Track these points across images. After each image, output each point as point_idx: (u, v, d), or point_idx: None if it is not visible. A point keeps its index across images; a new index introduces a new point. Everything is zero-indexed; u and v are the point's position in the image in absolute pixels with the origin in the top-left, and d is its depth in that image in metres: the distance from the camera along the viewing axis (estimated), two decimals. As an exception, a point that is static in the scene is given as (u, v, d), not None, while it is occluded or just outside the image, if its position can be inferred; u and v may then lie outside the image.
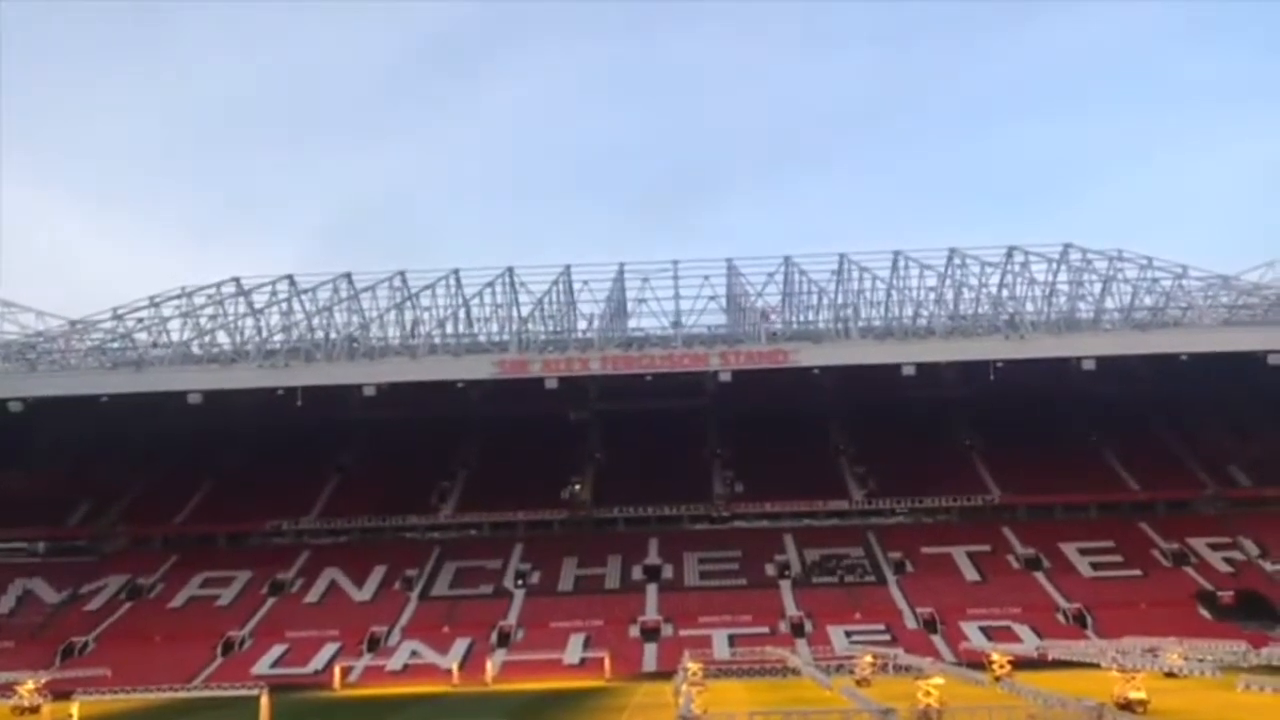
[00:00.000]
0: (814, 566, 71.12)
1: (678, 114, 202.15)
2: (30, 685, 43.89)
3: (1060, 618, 62.90)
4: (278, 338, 65.19)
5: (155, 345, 65.36)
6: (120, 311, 65.98)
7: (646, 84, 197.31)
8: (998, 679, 39.46)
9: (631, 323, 72.89)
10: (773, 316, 68.24)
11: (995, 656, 46.56)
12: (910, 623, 63.46)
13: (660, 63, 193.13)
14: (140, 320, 65.91)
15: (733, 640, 60.95)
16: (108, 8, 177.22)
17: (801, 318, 70.41)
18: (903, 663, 44.28)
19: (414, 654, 61.19)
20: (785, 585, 68.87)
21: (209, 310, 66.61)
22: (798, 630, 62.87)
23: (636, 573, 70.82)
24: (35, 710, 41.78)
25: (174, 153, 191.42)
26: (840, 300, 66.23)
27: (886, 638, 59.69)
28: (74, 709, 38.36)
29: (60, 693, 43.69)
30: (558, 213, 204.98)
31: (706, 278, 68.44)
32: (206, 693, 48.46)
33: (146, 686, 46.70)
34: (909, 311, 66.15)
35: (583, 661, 59.87)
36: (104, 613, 67.84)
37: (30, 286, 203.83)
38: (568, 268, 71.85)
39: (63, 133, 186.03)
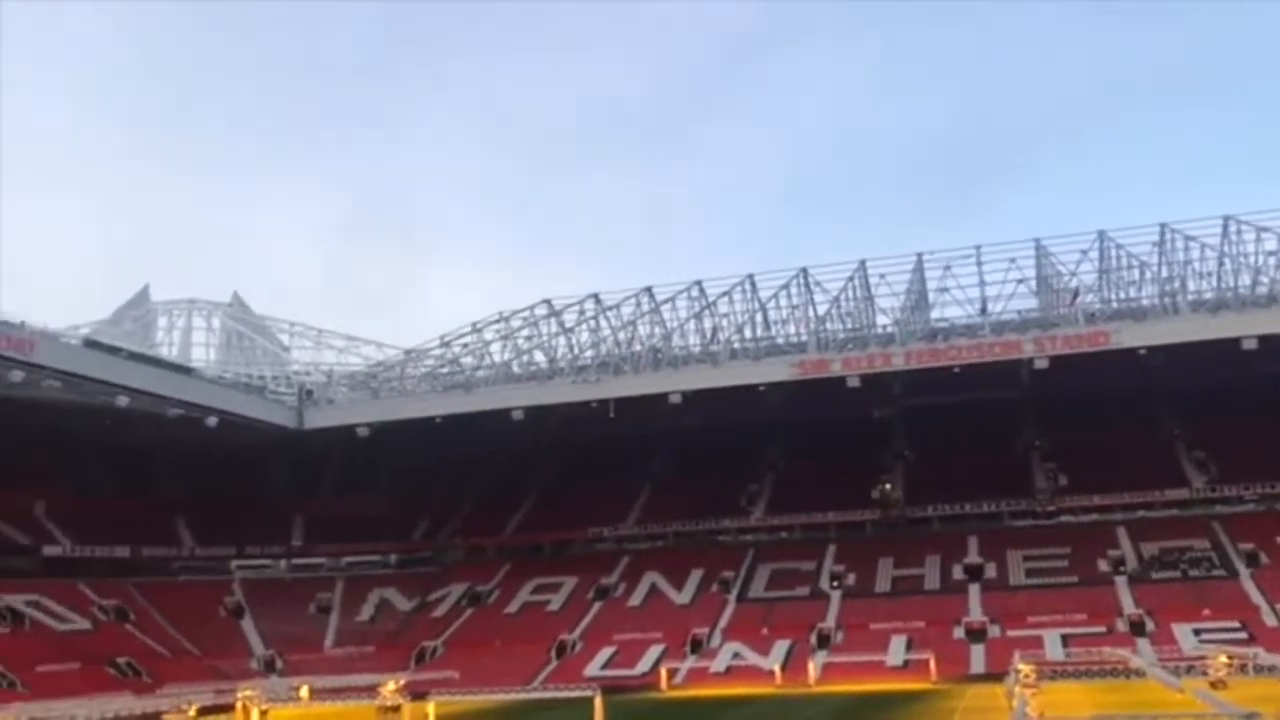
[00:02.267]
0: (1153, 561, 66.28)
1: (958, 97, 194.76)
2: (392, 686, 47.83)
3: None
4: (588, 353, 68.17)
5: (479, 368, 70.05)
6: (447, 339, 71.22)
7: (926, 70, 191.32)
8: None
9: (934, 313, 70.95)
10: (1089, 296, 64.32)
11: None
12: (1270, 619, 57.76)
13: (940, 46, 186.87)
14: (465, 345, 70.88)
15: (1066, 640, 57.72)
16: (418, 46, 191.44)
17: (1122, 294, 66.01)
18: (1264, 663, 40.54)
19: (736, 655, 61.96)
20: (1121, 582, 64.57)
21: (525, 332, 70.70)
22: (1137, 629, 58.77)
23: (957, 572, 68.55)
24: (396, 710, 45.31)
25: (477, 184, 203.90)
26: (1165, 273, 61.59)
27: (1242, 636, 54.58)
28: (430, 709, 41.38)
29: (417, 693, 47.35)
30: (844, 209, 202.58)
31: (1013, 260, 65.77)
32: (545, 694, 51.05)
33: (491, 688, 49.74)
34: (1245, 280, 60.52)
35: (906, 663, 58.59)
36: (449, 619, 73.05)
37: (369, 321, 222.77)
38: (863, 262, 70.94)
39: (384, 176, 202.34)
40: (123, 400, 58.71)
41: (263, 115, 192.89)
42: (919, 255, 71.39)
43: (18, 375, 53.01)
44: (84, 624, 64.51)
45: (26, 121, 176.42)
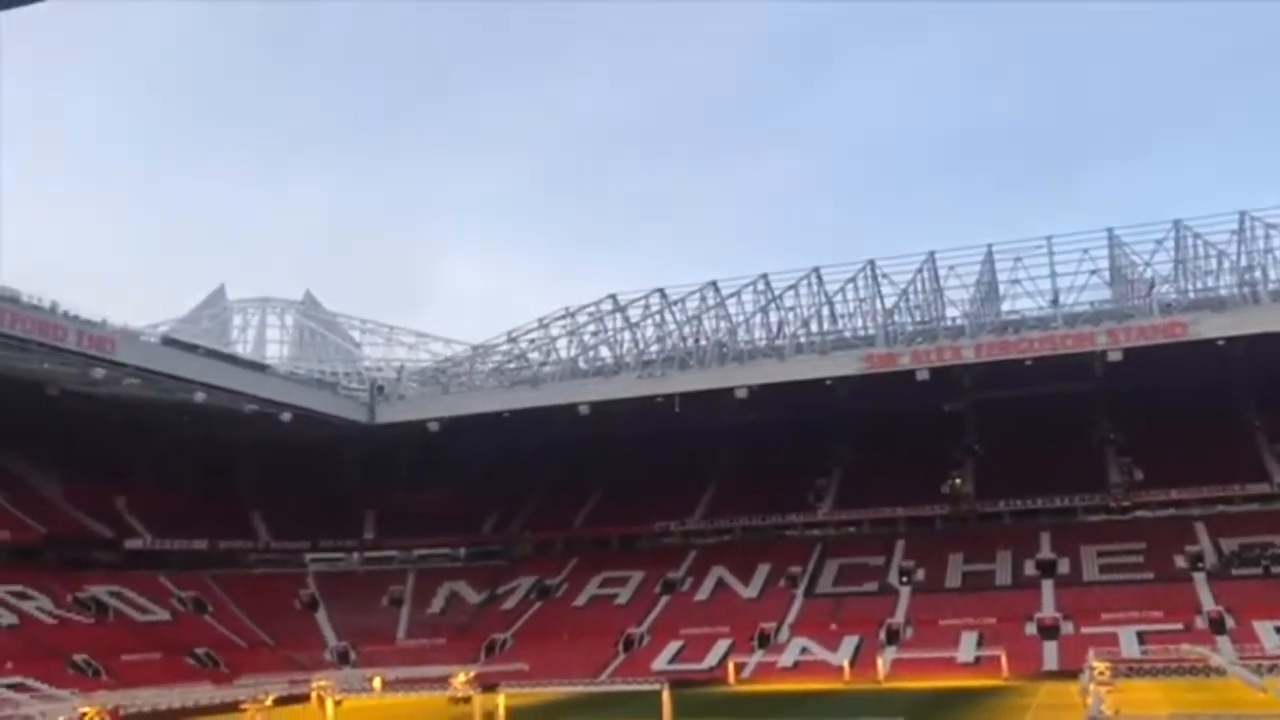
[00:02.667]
0: (1233, 557, 64.72)
1: (1027, 86, 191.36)
2: (462, 678, 48.54)
3: None
4: (653, 348, 68.33)
5: (545, 363, 70.58)
6: (514, 334, 71.88)
7: (998, 59, 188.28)
8: None
9: (1005, 305, 70.05)
10: (1165, 287, 62.95)
11: None
12: (1359, 619, 56.15)
13: (1008, 34, 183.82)
14: (532, 341, 71.50)
15: (1142, 638, 56.61)
16: (485, 46, 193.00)
17: (1199, 284, 64.52)
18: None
19: (804, 651, 61.77)
20: (1199, 578, 63.17)
21: (590, 327, 71.05)
22: (1217, 627, 57.43)
23: (1029, 568, 67.60)
24: (467, 700, 45.95)
25: (535, 181, 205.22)
26: (1244, 262, 60.05)
27: (1328, 634, 53.20)
28: (500, 700, 41.89)
29: (487, 685, 47.94)
30: (911, 202, 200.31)
31: (1085, 251, 64.72)
32: (613, 687, 51.30)
33: (559, 680, 50.11)
34: (1329, 268, 58.83)
35: (978, 660, 57.93)
36: (518, 611, 73.77)
37: (442, 318, 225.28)
38: (931, 254, 70.26)
39: (459, 174, 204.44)
40: (200, 396, 60.12)
41: (328, 116, 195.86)
42: (989, 247, 70.56)
43: (99, 373, 54.51)
44: (164, 615, 66.21)
45: (101, 124, 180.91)
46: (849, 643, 61.70)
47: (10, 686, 48.65)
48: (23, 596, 59.10)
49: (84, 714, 39.94)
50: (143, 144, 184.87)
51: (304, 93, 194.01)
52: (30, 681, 49.92)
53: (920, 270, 69.91)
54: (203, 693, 50.78)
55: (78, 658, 55.23)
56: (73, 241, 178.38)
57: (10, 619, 56.68)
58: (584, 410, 65.25)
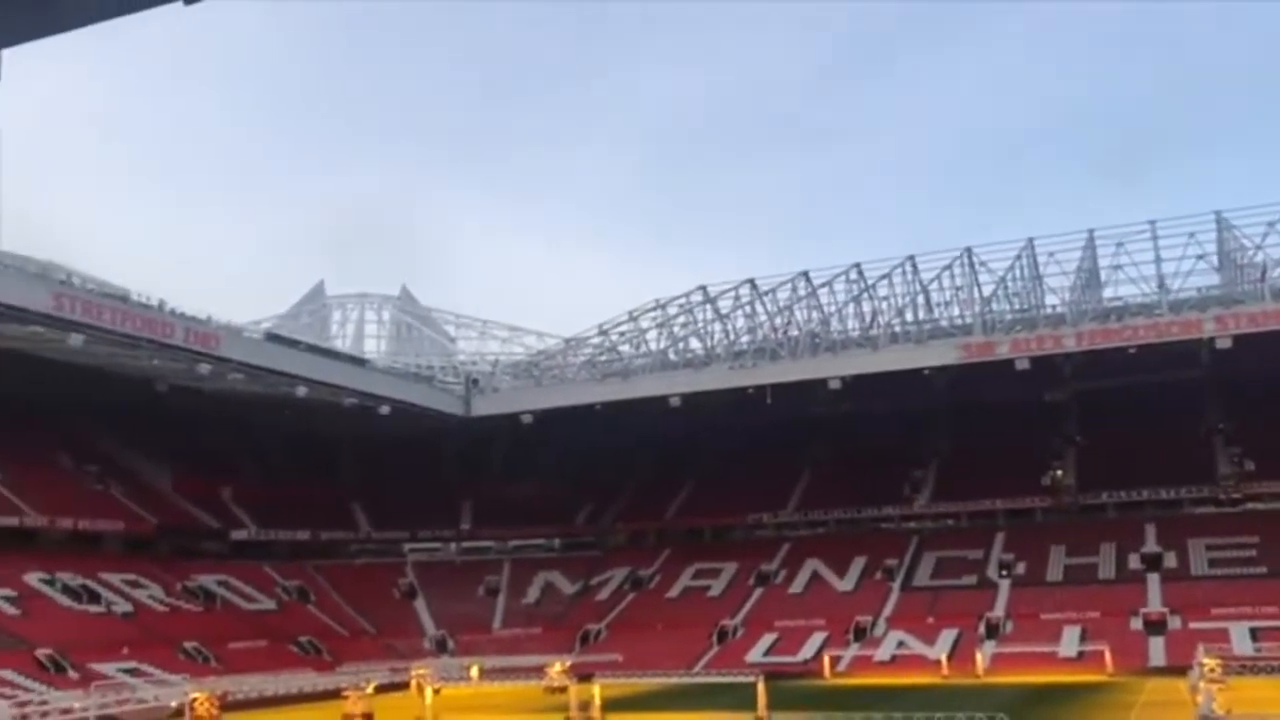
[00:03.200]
0: (1352, 551, 62.18)
1: (1124, 69, 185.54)
2: (558, 668, 49.00)
3: None
4: (744, 339, 68.05)
5: (637, 355, 70.82)
6: (605, 327, 72.28)
7: (1090, 39, 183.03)
8: None
9: (1107, 292, 68.33)
10: (1278, 271, 60.61)
11: None
12: None
13: (1105, 13, 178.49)
14: (622, 333, 71.79)
15: (1255, 634, 54.74)
16: (563, 42, 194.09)
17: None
18: None
19: (901, 644, 61.09)
20: (1317, 573, 60.84)
21: (680, 319, 71.04)
22: (1337, 624, 55.25)
23: (1133, 561, 65.80)
24: (563, 690, 46.39)
25: (624, 175, 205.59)
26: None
27: None
28: (595, 690, 42.19)
29: (582, 675, 48.33)
30: (1007, 188, 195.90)
31: (1192, 235, 62.68)
32: (707, 679, 51.40)
33: (654, 671, 50.41)
34: None
35: (1080, 655, 56.65)
36: (611, 602, 74.22)
37: (531, 312, 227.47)
38: (1030, 241, 68.83)
39: (547, 170, 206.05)
40: (301, 391, 61.59)
41: (417, 116, 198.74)
42: (1090, 232, 68.79)
43: (205, 368, 56.18)
44: (269, 604, 68.08)
45: (202, 122, 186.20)
46: (947, 636, 60.82)
47: (126, 671, 50.54)
48: (136, 585, 61.26)
49: (194, 699, 41.19)
50: (240, 144, 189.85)
51: (390, 91, 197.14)
52: (144, 667, 51.80)
53: (1019, 257, 68.48)
54: (306, 679, 52.00)
55: (188, 644, 57.10)
56: (180, 240, 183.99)
57: (125, 607, 58.83)
58: (675, 402, 65.29)
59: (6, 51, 9.13)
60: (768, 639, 64.64)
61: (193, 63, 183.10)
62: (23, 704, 40.54)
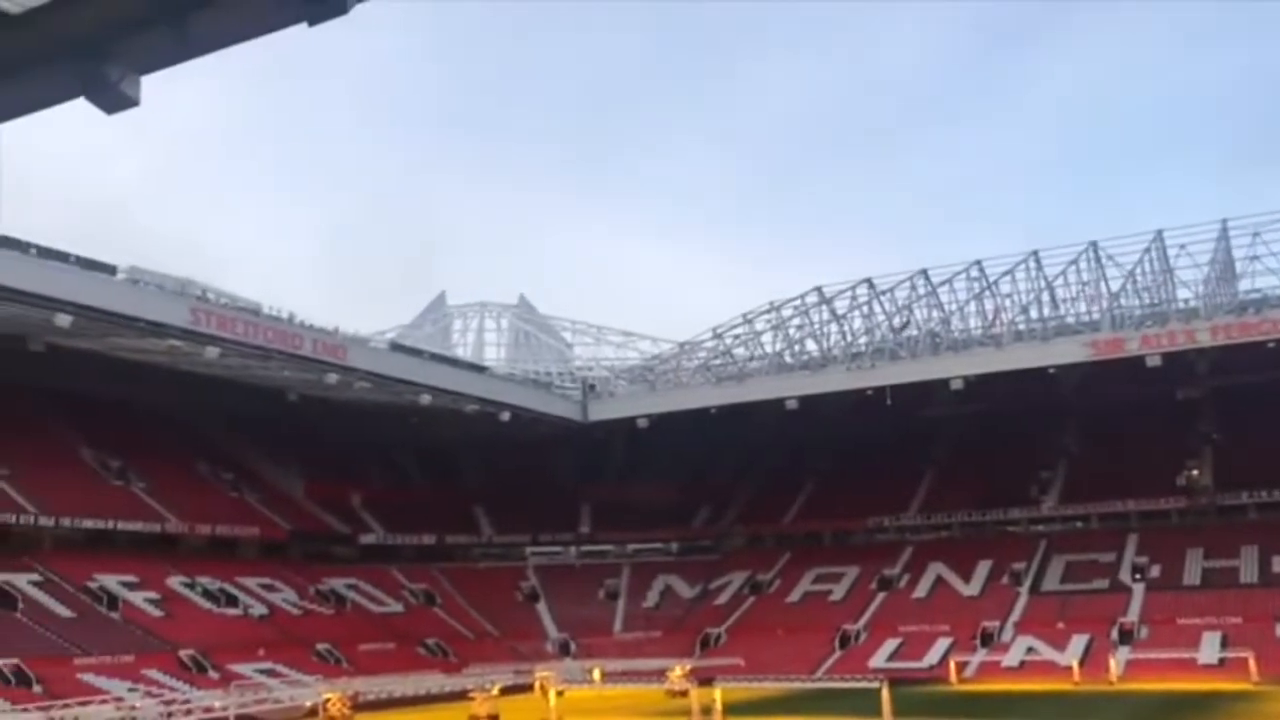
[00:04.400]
0: None
1: (1252, 51, 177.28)
2: (679, 671, 49.13)
3: None
4: (862, 340, 67.24)
5: (752, 358, 70.58)
6: (719, 330, 72.21)
7: (1219, 18, 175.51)
8: None
9: (1243, 284, 65.65)
10: None
11: None
12: None
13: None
14: (737, 337, 71.62)
15: None
16: (686, 47, 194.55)
17: None
18: None
19: (1030, 650, 59.50)
20: None
21: (796, 321, 70.55)
22: None
23: (1277, 564, 62.85)
24: (684, 694, 46.49)
25: (737, 177, 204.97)
26: None
27: None
28: (717, 694, 42.21)
29: (703, 679, 48.37)
30: (1132, 180, 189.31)
31: (1335, 222, 59.57)
32: (830, 684, 50.93)
33: (775, 675, 50.14)
34: None
35: (1221, 662, 54.34)
36: (731, 606, 74.02)
37: (645, 316, 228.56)
38: (1159, 233, 66.50)
39: (651, 174, 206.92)
40: (425, 398, 63.10)
41: (529, 123, 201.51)
42: (1223, 222, 66.15)
43: (333, 378, 57.98)
44: (396, 606, 69.83)
45: (323, 132, 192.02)
46: (1078, 642, 59.00)
47: (263, 672, 52.45)
48: (271, 589, 63.50)
49: (327, 699, 42.58)
50: (351, 153, 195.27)
51: (503, 99, 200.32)
52: (280, 668, 53.70)
53: (1147, 250, 66.20)
54: (434, 681, 53.22)
55: (320, 646, 58.95)
56: (306, 253, 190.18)
57: (261, 609, 61.03)
58: (792, 405, 64.86)
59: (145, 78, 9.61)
60: (891, 644, 63.65)
61: (306, 74, 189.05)
62: (168, 702, 42.48)
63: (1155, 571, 65.52)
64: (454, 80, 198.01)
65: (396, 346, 69.08)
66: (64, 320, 45.51)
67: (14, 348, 50.25)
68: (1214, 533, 67.16)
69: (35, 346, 51.11)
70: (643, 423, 69.85)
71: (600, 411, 72.57)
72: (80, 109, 9.73)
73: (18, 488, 55.80)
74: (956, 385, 61.15)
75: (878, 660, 60.94)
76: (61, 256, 47.42)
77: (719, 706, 40.89)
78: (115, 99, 9.51)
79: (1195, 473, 71.50)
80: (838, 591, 72.21)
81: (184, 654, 51.86)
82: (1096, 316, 63.88)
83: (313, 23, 8.91)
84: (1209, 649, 55.64)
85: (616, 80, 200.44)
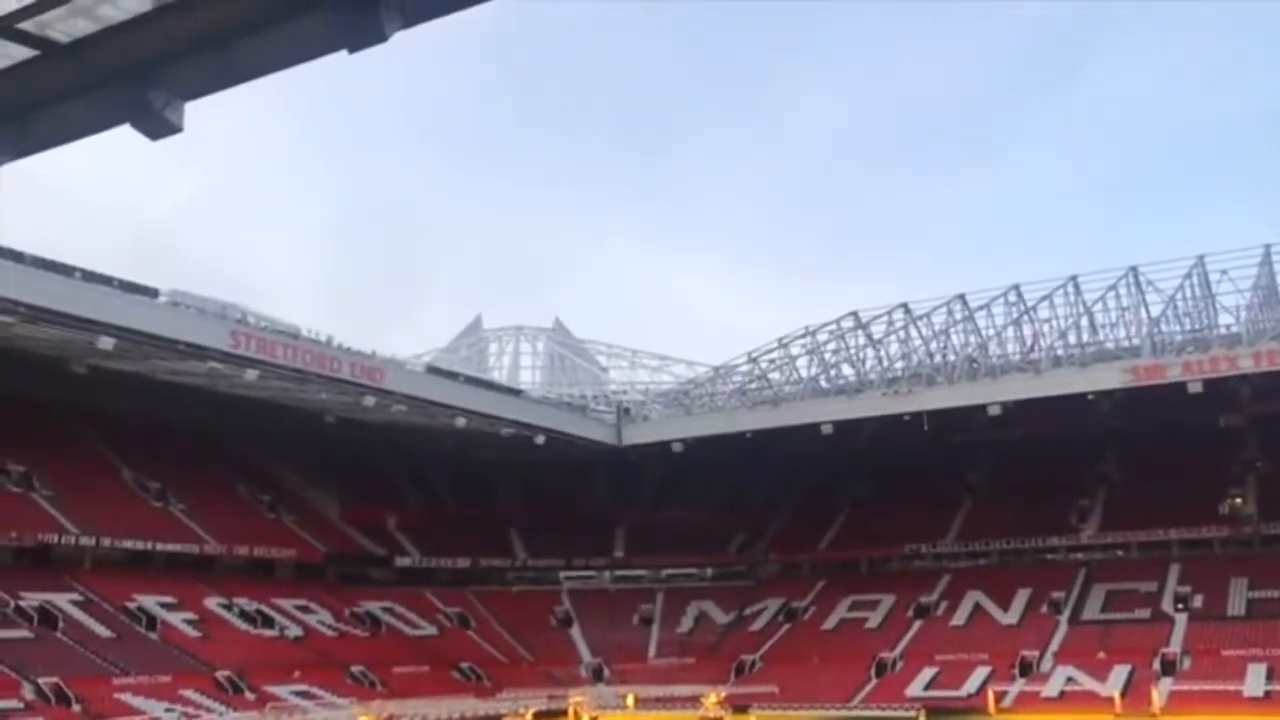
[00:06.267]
0: None
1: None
2: (714, 698, 48.84)
3: None
4: (898, 365, 66.85)
5: (787, 383, 70.33)
6: (754, 355, 72.00)
7: (1257, 43, 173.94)
8: None
9: (1287, 310, 64.47)
10: None
11: None
12: None
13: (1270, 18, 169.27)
14: (772, 361, 71.37)
15: None
16: (722, 59, 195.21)
17: None
18: None
19: (1070, 680, 58.57)
20: None
21: (831, 345, 70.27)
22: None
23: (1325, 595, 61.66)
24: (719, 720, 46.34)
25: (780, 196, 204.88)
26: None
27: None
28: (752, 721, 41.95)
29: (738, 706, 48.05)
30: (1172, 204, 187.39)
31: (1380, 247, 58.68)
32: (866, 712, 50.43)
33: (811, 703, 49.71)
34: None
35: (1267, 694, 53.20)
36: (766, 633, 73.44)
37: (679, 340, 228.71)
38: (1200, 258, 65.76)
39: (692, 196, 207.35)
40: (461, 421, 63.39)
41: (566, 148, 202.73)
42: (1266, 247, 65.28)
43: (370, 400, 58.41)
44: (431, 630, 69.89)
45: (357, 155, 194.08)
46: (1119, 673, 58.00)
47: (298, 694, 52.64)
48: (307, 610, 63.80)
49: (362, 721, 42.65)
50: (397, 181, 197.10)
51: (540, 120, 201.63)
52: (315, 690, 53.89)
53: (1189, 275, 65.43)
54: (468, 705, 53.25)
55: (355, 668, 59.07)
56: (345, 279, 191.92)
57: (297, 631, 61.30)
58: (827, 430, 64.51)
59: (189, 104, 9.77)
60: (928, 673, 62.84)
61: (348, 102, 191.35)
62: (205, 722, 42.72)
63: (1198, 601, 64.39)
64: (490, 108, 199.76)
65: (433, 369, 69.47)
66: (107, 343, 46.23)
67: (57, 369, 51.10)
68: (1259, 562, 65.93)
69: (77, 368, 51.97)
70: (677, 447, 69.73)
71: (635, 435, 72.53)
72: (125, 135, 9.92)
73: (59, 508, 56.56)
74: (994, 411, 60.58)
75: (914, 689, 60.14)
76: (105, 280, 48.27)
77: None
78: (159, 125, 9.66)
79: (1239, 501, 70.32)
80: (874, 619, 71.47)
81: (221, 675, 52.14)
82: (1136, 342, 63.19)
83: (353, 50, 9.02)
84: (1254, 681, 54.51)
85: (653, 104, 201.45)
